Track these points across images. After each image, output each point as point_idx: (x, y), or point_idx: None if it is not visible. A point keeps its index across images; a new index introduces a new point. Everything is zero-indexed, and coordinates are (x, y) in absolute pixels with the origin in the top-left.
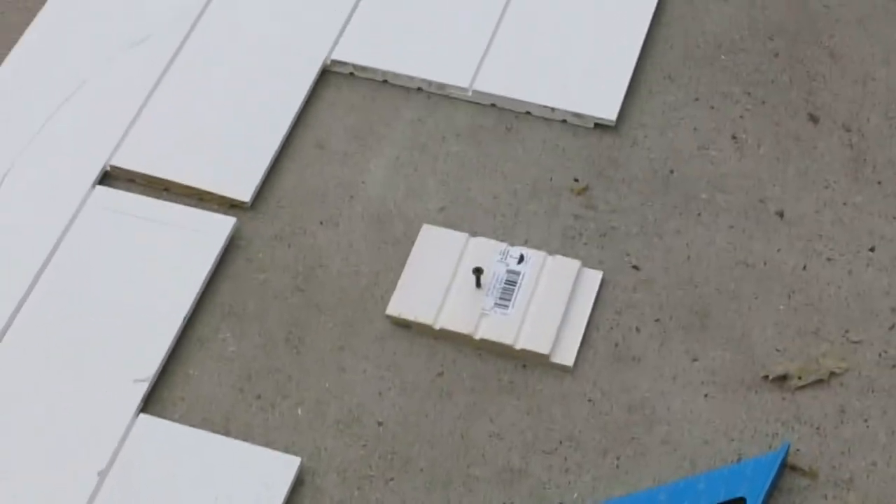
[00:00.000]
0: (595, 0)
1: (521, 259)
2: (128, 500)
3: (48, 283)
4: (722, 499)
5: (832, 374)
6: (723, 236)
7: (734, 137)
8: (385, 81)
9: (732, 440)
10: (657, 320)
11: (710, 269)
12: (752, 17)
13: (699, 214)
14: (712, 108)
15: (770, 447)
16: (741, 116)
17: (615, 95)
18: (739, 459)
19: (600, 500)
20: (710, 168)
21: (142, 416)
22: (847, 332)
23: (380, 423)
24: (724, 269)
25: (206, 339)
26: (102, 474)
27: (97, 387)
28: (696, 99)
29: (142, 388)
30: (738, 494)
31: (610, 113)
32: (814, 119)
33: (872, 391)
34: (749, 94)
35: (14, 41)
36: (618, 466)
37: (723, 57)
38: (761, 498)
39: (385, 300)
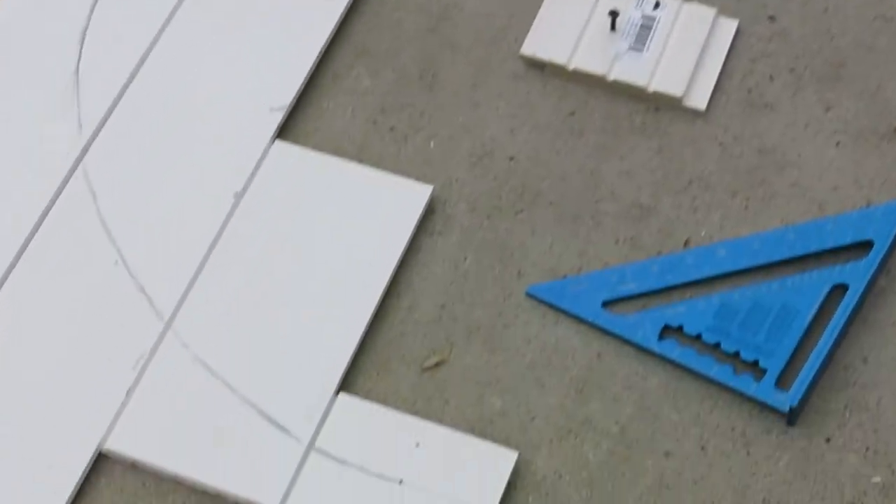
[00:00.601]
0: None
1: (657, 5)
2: (262, 220)
3: (185, 13)
4: (849, 241)
5: None
6: None
7: None
8: None
9: (862, 187)
10: (792, 70)
11: (847, 22)
12: None
13: None
14: None
15: None
16: None
17: None
18: (868, 205)
19: (728, 238)
20: None
21: (277, 142)
22: None
23: (511, 158)
24: (863, 21)
25: (341, 74)
26: (238, 196)
27: (236, 114)
28: None
29: (278, 116)
30: (866, 237)
31: None
32: None
33: None
34: None
35: None
36: (746, 207)
37: None
38: (889, 240)
39: (519, 41)
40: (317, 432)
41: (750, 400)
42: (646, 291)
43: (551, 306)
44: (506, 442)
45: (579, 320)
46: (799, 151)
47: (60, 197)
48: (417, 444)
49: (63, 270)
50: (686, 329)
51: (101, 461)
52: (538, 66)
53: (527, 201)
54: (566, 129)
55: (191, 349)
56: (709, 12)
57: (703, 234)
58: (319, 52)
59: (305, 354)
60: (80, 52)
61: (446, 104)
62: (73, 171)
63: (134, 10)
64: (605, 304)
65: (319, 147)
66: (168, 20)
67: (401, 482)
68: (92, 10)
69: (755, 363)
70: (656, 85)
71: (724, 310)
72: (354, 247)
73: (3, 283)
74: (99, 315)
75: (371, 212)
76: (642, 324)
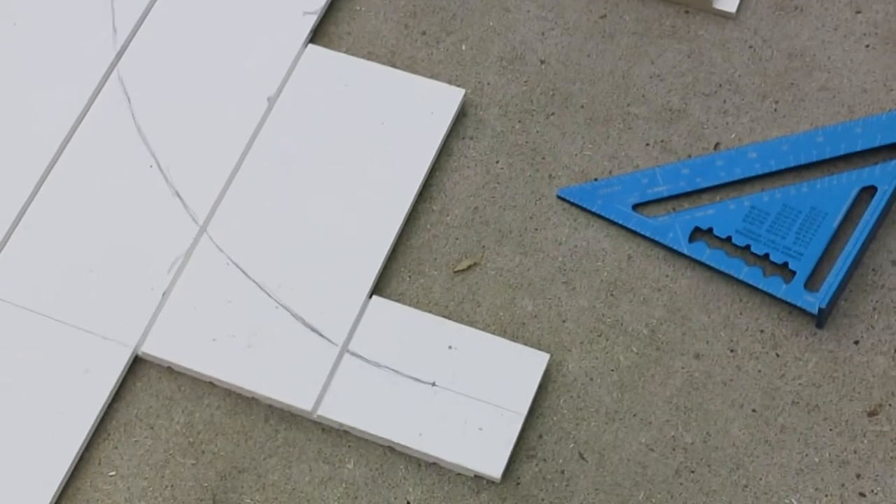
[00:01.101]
0: None
1: None
2: (296, 123)
3: None
4: (878, 143)
5: None
6: None
7: None
8: None
9: (891, 90)
10: None
11: None
12: None
13: None
14: None
15: None
16: None
17: None
18: None
19: (757, 140)
20: None
21: (310, 46)
22: None
23: (542, 62)
24: None
25: None
26: (272, 100)
27: (269, 18)
28: None
29: (310, 21)
30: (895, 140)
31: None
32: None
33: None
34: None
35: None
36: (776, 110)
37: None
38: None
39: None
40: (350, 335)
41: (779, 303)
42: (676, 194)
43: (582, 209)
44: (537, 344)
45: (610, 223)
46: (828, 54)
47: (96, 101)
48: (450, 347)
49: (99, 174)
50: (716, 231)
51: (137, 365)
52: None
53: (558, 104)
54: (597, 32)
55: (225, 253)
56: None
57: (732, 136)
58: None
59: (338, 258)
60: None
61: (477, 7)
62: (108, 76)
63: None
64: (636, 206)
65: (352, 51)
66: None
67: (434, 384)
68: None
69: (784, 265)
70: None
71: (754, 212)
72: (387, 151)
73: (39, 188)
74: (134, 219)
75: (403, 116)
76: (672, 226)
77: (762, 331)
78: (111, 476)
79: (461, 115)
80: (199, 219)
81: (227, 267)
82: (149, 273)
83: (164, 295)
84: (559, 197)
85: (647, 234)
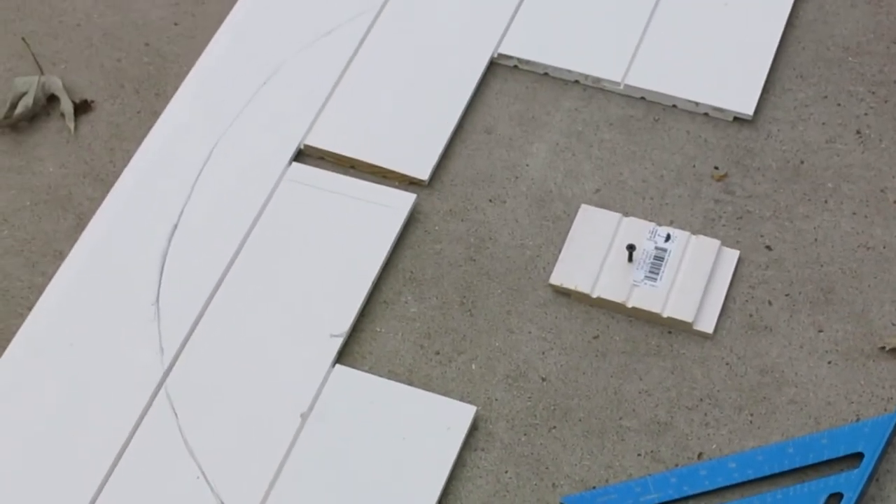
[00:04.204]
0: (735, 5)
1: (668, 238)
2: (326, 439)
3: (253, 246)
4: (843, 453)
5: None
6: (847, 222)
7: (858, 132)
8: (546, 74)
9: (852, 403)
10: (787, 295)
11: (834, 251)
12: (878, 21)
13: (826, 201)
14: (839, 105)
15: (885, 410)
16: (865, 113)
17: (752, 92)
18: (858, 419)
19: (736, 450)
20: (836, 160)
21: (338, 366)
22: None
23: (543, 379)
24: (848, 251)
25: (391, 301)
26: (304, 416)
27: (299, 340)
28: (825, 97)
29: (337, 343)
30: (857, 449)
31: (747, 107)
32: None
33: None
34: (873, 93)
35: (214, 30)
36: (751, 422)
37: (850, 59)
38: (877, 453)
39: (547, 271)
40: None
41: None
42: (666, 501)
43: None
44: None
45: None
46: (796, 370)
47: (146, 417)
48: None
49: (150, 487)
50: None
51: None
52: (565, 294)
53: (558, 418)
54: (591, 351)
55: None
56: (713, 244)
57: (714, 447)
58: (372, 282)
59: None
60: (160, 282)
61: (484, 329)
62: (157, 393)
63: (206, 244)
64: None
65: (375, 369)
66: (235, 256)
67: None
68: (169, 243)
69: None
70: (669, 311)
71: None
72: (407, 464)
73: (95, 501)
74: None
75: (422, 431)
76: None
77: None
78: None
79: (473, 428)
80: None
81: None
82: None
83: None
84: None
85: None
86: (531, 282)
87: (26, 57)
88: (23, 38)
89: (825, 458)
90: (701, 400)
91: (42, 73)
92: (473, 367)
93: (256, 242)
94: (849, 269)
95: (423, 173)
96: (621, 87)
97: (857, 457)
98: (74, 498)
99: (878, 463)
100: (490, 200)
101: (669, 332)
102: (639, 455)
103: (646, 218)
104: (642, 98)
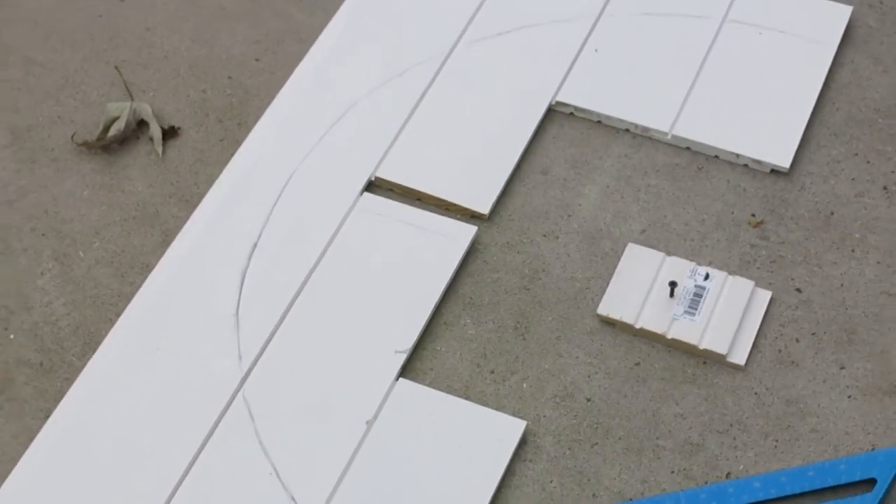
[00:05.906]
0: (776, 66)
1: (707, 277)
2: (389, 446)
3: (326, 267)
4: (858, 478)
5: None
6: (871, 270)
7: (885, 188)
8: (599, 122)
9: (868, 433)
10: (813, 334)
11: (858, 296)
12: None
13: (853, 250)
14: (868, 162)
15: None
16: (892, 171)
17: (789, 147)
18: (873, 449)
19: (761, 472)
20: (863, 212)
21: (401, 380)
22: None
23: (588, 400)
24: (871, 296)
25: (451, 323)
26: (370, 423)
27: (367, 355)
28: (856, 154)
29: (401, 358)
30: (871, 475)
31: (784, 161)
32: None
33: None
34: None
35: (293, 67)
36: (776, 447)
37: (880, 120)
38: (889, 479)
39: (595, 302)
40: None
41: None
42: None
43: None
44: None
45: None
46: (818, 402)
47: (223, 420)
48: None
49: (224, 481)
50: None
51: None
52: (610, 324)
53: (600, 435)
54: (632, 377)
55: None
56: (748, 284)
57: (741, 468)
58: (434, 305)
59: None
60: (240, 296)
61: (535, 352)
62: (234, 398)
63: (283, 264)
64: None
65: (434, 384)
66: (309, 275)
67: None
68: (249, 261)
69: None
70: (706, 344)
71: None
72: (461, 472)
73: (173, 496)
74: None
75: (476, 443)
76: None
77: None
78: None
79: (522, 442)
80: None
81: None
82: None
83: None
84: None
85: None
86: (580, 311)
87: (118, 84)
88: (116, 67)
89: (842, 482)
90: (731, 425)
91: (133, 99)
92: (525, 386)
93: (329, 264)
94: (871, 313)
95: (484, 208)
96: (669, 136)
97: (871, 482)
98: (156, 489)
99: (890, 488)
100: (544, 235)
101: (704, 363)
102: (672, 472)
103: (687, 258)
104: (687, 148)
